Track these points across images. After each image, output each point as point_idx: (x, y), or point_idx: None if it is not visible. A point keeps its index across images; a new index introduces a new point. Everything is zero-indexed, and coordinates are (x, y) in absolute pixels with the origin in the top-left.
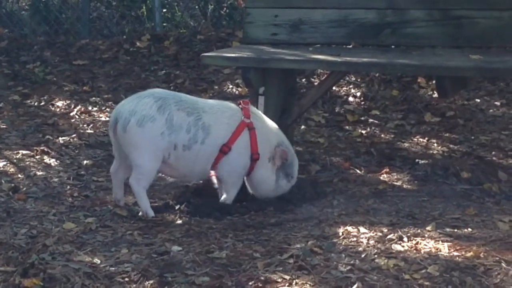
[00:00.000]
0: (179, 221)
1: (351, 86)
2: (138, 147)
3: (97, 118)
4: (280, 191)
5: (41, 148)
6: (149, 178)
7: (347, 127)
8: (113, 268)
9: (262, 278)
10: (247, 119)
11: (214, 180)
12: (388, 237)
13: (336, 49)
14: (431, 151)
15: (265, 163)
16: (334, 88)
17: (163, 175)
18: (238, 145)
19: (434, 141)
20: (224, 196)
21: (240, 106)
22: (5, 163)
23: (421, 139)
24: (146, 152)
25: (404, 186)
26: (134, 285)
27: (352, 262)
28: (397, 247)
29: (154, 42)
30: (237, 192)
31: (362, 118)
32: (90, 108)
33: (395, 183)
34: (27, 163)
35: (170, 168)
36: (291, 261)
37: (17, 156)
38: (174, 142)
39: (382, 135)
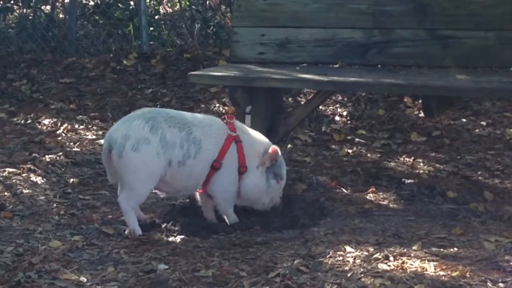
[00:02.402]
0: (166, 240)
1: (337, 105)
2: (135, 171)
3: (84, 136)
4: (272, 193)
5: (28, 166)
6: (142, 199)
7: (333, 146)
8: (99, 287)
9: None
10: (233, 133)
11: (198, 197)
12: (374, 256)
13: (323, 68)
14: (417, 171)
15: (252, 171)
16: (320, 107)
17: (155, 191)
18: (227, 161)
19: (420, 160)
20: (226, 219)
21: (225, 120)
22: None
23: (407, 159)
24: (143, 175)
25: (390, 205)
26: None
27: (338, 281)
28: (383, 266)
29: (141, 60)
30: (233, 208)
31: (349, 138)
32: (76, 126)
33: (381, 202)
34: (14, 181)
35: (165, 185)
36: (278, 280)
37: (4, 174)
38: (169, 159)
39: (369, 155)
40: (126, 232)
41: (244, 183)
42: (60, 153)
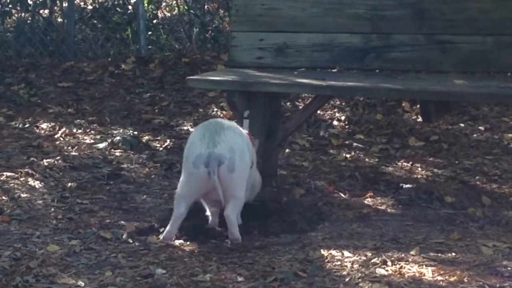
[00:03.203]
0: (164, 244)
1: (335, 110)
2: (242, 181)
3: (82, 141)
4: None
5: (26, 170)
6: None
7: (331, 151)
8: None
9: None
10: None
11: (206, 205)
12: (372, 261)
13: (321, 73)
14: (415, 176)
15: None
16: (318, 112)
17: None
18: (254, 158)
19: (418, 165)
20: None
21: None
22: None
23: (405, 163)
24: (245, 183)
25: (388, 210)
26: None
27: (336, 286)
28: (381, 271)
29: (139, 64)
30: None
31: (347, 142)
32: (74, 130)
33: (379, 207)
34: (11, 185)
35: None
36: (275, 284)
37: (1, 178)
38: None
39: (367, 159)
40: (124, 236)
41: (256, 177)
42: (58, 157)
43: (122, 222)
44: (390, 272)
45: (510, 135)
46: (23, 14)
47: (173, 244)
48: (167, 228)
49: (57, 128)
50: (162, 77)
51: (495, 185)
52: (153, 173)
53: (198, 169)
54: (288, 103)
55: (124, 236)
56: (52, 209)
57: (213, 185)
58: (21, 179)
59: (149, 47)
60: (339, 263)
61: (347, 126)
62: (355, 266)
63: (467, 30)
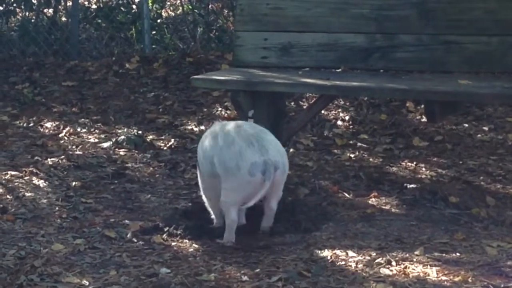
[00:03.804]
0: (168, 243)
1: (339, 110)
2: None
3: (86, 140)
4: None
5: (30, 169)
6: None
7: (335, 150)
8: None
9: None
10: None
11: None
12: (377, 261)
13: (325, 73)
14: (420, 176)
15: None
16: (323, 111)
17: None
18: None
19: (423, 165)
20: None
21: None
22: None
23: (409, 164)
24: None
25: (393, 210)
26: None
27: (340, 286)
28: (385, 271)
29: (143, 64)
30: None
31: (351, 142)
32: (79, 129)
33: (384, 207)
34: (16, 184)
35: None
36: (280, 284)
37: (6, 177)
38: None
39: (371, 159)
40: (128, 235)
41: None
42: (63, 156)
43: (127, 221)
44: (394, 272)
45: None
46: (27, 13)
47: (177, 243)
48: (226, 235)
49: (62, 127)
50: (166, 76)
51: (500, 186)
52: (157, 173)
53: (255, 177)
54: (292, 103)
55: (128, 235)
56: (57, 208)
57: (265, 189)
58: (26, 178)
59: (153, 46)
60: (343, 263)
61: (351, 126)
62: (360, 266)
63: (472, 30)
